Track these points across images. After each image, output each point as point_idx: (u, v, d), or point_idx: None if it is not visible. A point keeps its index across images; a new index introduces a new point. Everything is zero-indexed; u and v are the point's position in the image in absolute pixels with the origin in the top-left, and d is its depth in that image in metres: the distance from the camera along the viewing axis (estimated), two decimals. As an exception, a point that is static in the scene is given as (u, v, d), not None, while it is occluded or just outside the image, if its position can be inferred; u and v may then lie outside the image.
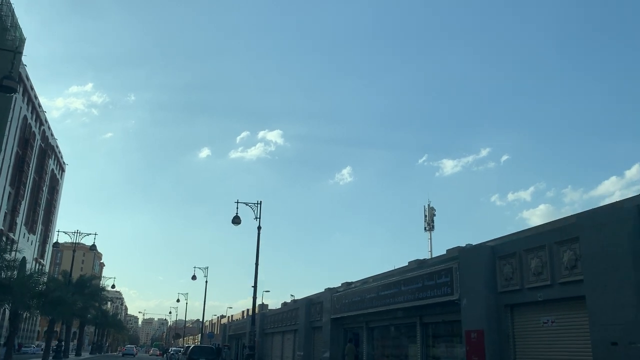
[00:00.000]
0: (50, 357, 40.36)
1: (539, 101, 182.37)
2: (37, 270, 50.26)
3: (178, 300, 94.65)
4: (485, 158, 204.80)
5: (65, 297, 32.60)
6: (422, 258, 23.82)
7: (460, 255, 15.45)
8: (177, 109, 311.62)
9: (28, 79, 66.42)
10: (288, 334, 35.88)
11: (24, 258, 62.70)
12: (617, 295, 10.05)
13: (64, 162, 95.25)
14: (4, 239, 60.01)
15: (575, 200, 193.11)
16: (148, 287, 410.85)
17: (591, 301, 10.64)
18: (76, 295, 39.86)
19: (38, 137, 75.28)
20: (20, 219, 69.80)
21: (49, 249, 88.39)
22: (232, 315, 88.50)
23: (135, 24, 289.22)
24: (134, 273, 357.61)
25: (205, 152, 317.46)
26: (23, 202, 70.43)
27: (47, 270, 73.37)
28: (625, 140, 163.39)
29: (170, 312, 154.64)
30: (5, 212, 64.16)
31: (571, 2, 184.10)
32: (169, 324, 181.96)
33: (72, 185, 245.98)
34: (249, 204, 31.89)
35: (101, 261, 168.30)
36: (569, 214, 15.98)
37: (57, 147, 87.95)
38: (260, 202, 31.83)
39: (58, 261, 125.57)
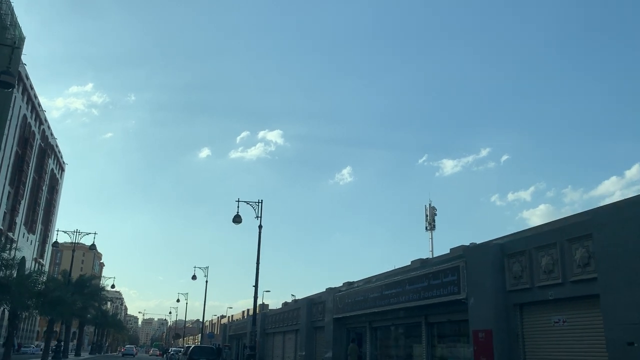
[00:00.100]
0: (50, 357, 40.02)
1: (539, 101, 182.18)
2: (36, 269, 49.90)
3: (178, 300, 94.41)
4: (485, 158, 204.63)
5: (64, 297, 32.28)
6: (424, 257, 23.58)
7: (467, 254, 15.13)
8: (177, 109, 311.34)
9: (28, 78, 66.12)
10: (289, 334, 35.57)
11: (23, 258, 62.41)
12: (633, 294, 9.73)
13: (63, 162, 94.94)
14: (3, 238, 59.79)
15: (575, 200, 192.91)
16: (148, 287, 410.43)
17: (606, 300, 10.32)
18: (75, 295, 39.53)
19: (38, 136, 74.97)
20: (19, 219, 69.47)
21: (48, 249, 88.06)
22: (232, 316, 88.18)
23: (135, 24, 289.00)
24: (134, 273, 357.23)
25: (205, 152, 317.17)
26: (22, 202, 70.10)
27: (46, 270, 73.08)
28: (625, 140, 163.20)
29: (170, 312, 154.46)
30: (5, 212, 63.84)
31: (571, 2, 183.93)
32: (169, 324, 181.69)
33: (72, 185, 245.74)
34: (250, 203, 31.59)
35: (101, 261, 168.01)
36: (569, 214, 15.74)
37: (56, 146, 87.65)
38: (261, 200, 31.54)
39: (58, 261, 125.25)
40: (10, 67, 17.20)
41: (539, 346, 12.54)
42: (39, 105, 73.74)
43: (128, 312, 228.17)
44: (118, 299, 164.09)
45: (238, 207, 30.81)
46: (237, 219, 30.96)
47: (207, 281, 61.35)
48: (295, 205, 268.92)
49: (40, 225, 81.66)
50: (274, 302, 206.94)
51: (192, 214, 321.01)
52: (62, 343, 45.57)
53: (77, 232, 44.26)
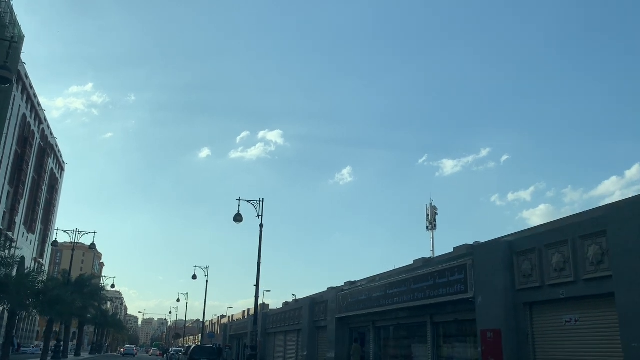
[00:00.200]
0: (49, 358, 39.70)
1: (539, 101, 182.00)
2: (35, 269, 49.59)
3: (178, 300, 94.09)
4: (485, 158, 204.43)
5: (63, 296, 31.93)
6: (426, 257, 23.23)
7: (474, 252, 14.80)
8: (177, 109, 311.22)
9: (27, 77, 65.77)
10: (291, 334, 35.24)
11: (22, 257, 62.10)
12: (651, 292, 9.42)
13: (63, 161, 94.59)
14: (2, 238, 59.45)
15: (575, 200, 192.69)
16: (148, 287, 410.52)
17: (622, 298, 10.00)
18: (75, 294, 39.17)
19: (37, 135, 74.64)
20: (19, 218, 69.13)
21: (48, 249, 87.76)
22: (232, 315, 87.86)
23: (135, 24, 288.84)
24: (134, 273, 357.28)
25: (205, 152, 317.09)
26: (22, 201, 69.77)
27: (46, 270, 72.75)
28: (625, 140, 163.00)
29: (170, 312, 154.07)
30: (4, 211, 63.51)
31: (571, 2, 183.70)
32: (169, 324, 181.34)
33: (72, 185, 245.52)
34: (251, 202, 31.29)
35: (101, 261, 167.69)
36: (569, 214, 15.40)
37: (56, 146, 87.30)
38: (262, 199, 31.25)
39: (58, 261, 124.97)
40: (8, 62, 16.86)
41: (550, 346, 12.22)
42: (39, 104, 73.40)
43: (128, 312, 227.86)
44: (118, 298, 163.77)
45: (239, 205, 30.53)
46: (237, 218, 30.67)
47: (207, 281, 61.08)
48: (295, 205, 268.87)
49: (40, 224, 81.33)
50: (274, 302, 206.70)
51: (192, 214, 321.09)
52: (62, 343, 45.24)
53: (76, 231, 43.93)
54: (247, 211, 30.83)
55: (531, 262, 12.70)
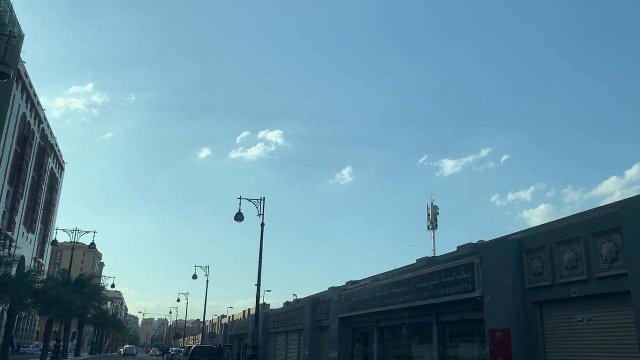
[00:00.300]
0: (48, 358, 39.39)
1: (539, 101, 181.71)
2: (34, 268, 49.33)
3: (178, 300, 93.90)
4: (485, 158, 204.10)
5: (63, 296, 31.64)
6: (430, 256, 22.89)
7: (482, 250, 14.49)
8: (177, 109, 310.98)
9: (27, 76, 65.47)
10: (292, 334, 34.94)
11: (22, 257, 61.82)
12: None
13: (63, 161, 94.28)
14: (2, 237, 59.16)
15: (575, 200, 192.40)
16: (148, 287, 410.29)
17: (638, 297, 9.68)
18: (75, 294, 38.87)
19: (37, 135, 74.34)
20: (19, 218, 68.83)
21: (48, 249, 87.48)
22: (232, 315, 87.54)
23: (135, 24, 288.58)
24: (134, 273, 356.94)
25: (205, 152, 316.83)
26: (22, 201, 69.47)
27: (46, 270, 72.45)
28: (625, 140, 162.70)
29: (170, 312, 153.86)
30: (4, 211, 63.22)
31: (571, 2, 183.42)
32: (169, 324, 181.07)
33: (72, 185, 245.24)
34: (252, 200, 30.99)
35: (101, 261, 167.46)
36: (569, 214, 15.12)
37: (56, 145, 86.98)
38: (264, 198, 30.95)
39: (58, 261, 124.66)
40: (6, 57, 16.57)
41: (561, 346, 11.90)
42: (38, 103, 73.10)
43: (128, 312, 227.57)
44: (118, 298, 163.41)
45: (240, 204, 30.24)
46: (238, 217, 30.38)
47: (207, 280, 60.82)
48: (295, 205, 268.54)
49: (39, 224, 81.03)
50: (275, 301, 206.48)
51: (192, 214, 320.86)
52: (61, 343, 44.91)
53: (76, 230, 43.62)
54: (248, 211, 30.49)
55: (541, 260, 12.38)
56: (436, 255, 30.89)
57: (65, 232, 44.72)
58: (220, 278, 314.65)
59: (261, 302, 37.71)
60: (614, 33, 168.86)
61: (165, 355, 79.30)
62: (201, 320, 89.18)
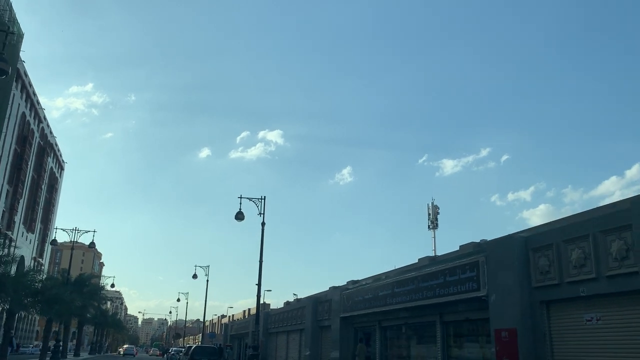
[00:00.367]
0: (48, 358, 39.16)
1: (539, 101, 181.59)
2: (33, 268, 49.09)
3: (178, 300, 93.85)
4: (485, 158, 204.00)
5: (62, 296, 31.38)
6: (431, 255, 22.68)
7: (487, 248, 14.27)
8: (177, 109, 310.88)
9: (26, 75, 65.25)
10: (293, 334, 34.72)
11: (22, 257, 61.58)
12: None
13: (63, 161, 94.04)
14: (1, 237, 58.91)
15: (575, 200, 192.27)
16: (148, 287, 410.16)
17: (650, 295, 9.48)
18: (74, 293, 38.62)
19: (37, 134, 74.13)
20: (18, 218, 68.61)
21: (47, 248, 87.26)
22: (232, 315, 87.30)
23: (135, 24, 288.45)
24: (134, 273, 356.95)
25: (205, 152, 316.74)
26: (21, 201, 69.26)
27: (45, 270, 72.22)
28: (625, 140, 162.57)
29: (170, 312, 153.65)
30: (3, 210, 63.01)
31: (571, 2, 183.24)
32: (169, 324, 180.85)
33: (72, 185, 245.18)
34: (253, 199, 30.80)
35: (101, 261, 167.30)
36: (570, 214, 14.94)
37: (56, 145, 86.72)
38: (264, 197, 30.74)
39: (57, 261, 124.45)
40: (4, 53, 16.34)
41: (569, 346, 11.68)
42: (38, 103, 72.87)
43: (128, 312, 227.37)
44: (118, 298, 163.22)
45: (240, 203, 30.04)
46: (239, 216, 30.19)
47: (208, 280, 60.67)
48: (295, 205, 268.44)
49: (39, 224, 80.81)
50: (275, 301, 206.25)
51: (192, 214, 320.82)
52: (61, 343, 44.68)
53: (76, 229, 43.39)
54: (248, 211, 30.24)
55: (548, 258, 12.17)
56: (437, 254, 30.73)
57: (64, 232, 44.50)
58: (220, 278, 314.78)
59: (261, 301, 37.56)
60: (614, 33, 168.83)
61: (165, 355, 79.05)
62: (201, 320, 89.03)
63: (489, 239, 16.33)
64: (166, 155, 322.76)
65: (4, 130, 56.18)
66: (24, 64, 63.07)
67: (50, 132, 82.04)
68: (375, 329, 22.06)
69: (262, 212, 30.24)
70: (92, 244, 45.01)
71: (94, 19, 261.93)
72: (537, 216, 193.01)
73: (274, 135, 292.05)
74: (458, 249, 17.69)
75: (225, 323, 79.00)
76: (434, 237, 70.59)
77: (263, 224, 30.08)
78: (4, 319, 27.22)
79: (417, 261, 20.40)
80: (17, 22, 54.11)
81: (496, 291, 13.51)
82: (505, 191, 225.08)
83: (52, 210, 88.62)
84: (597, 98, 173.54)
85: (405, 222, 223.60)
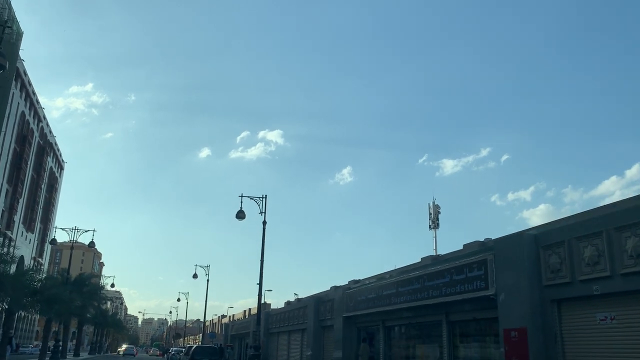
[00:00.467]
0: (47, 358, 38.86)
1: (539, 101, 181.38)
2: (33, 267, 48.75)
3: (179, 300, 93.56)
4: (486, 158, 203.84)
5: (62, 295, 31.07)
6: (435, 254, 22.35)
7: (496, 246, 13.95)
8: (177, 109, 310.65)
9: (26, 74, 64.92)
10: (295, 334, 34.42)
11: (22, 257, 61.27)
12: None
13: (63, 160, 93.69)
14: (1, 236, 58.63)
15: (575, 200, 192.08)
16: (148, 287, 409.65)
17: (668, 294, 9.17)
18: (74, 293, 38.34)
19: (36, 134, 73.80)
20: (18, 217, 68.29)
21: (47, 248, 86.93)
22: (233, 315, 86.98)
23: (135, 24, 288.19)
24: (134, 273, 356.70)
25: (205, 152, 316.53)
26: (21, 200, 68.94)
27: (45, 269, 71.91)
28: (625, 140, 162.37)
29: (170, 312, 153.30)
30: (3, 210, 62.70)
31: (571, 2, 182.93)
32: (169, 324, 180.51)
33: (72, 185, 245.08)
34: (254, 198, 30.50)
35: (101, 261, 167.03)
36: (569, 214, 14.66)
37: (55, 144, 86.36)
38: (266, 195, 30.46)
39: (57, 261, 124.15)
40: (2, 47, 16.05)
41: (581, 346, 11.36)
42: (38, 102, 72.53)
43: (128, 312, 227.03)
44: (118, 298, 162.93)
45: (241, 202, 29.76)
46: (240, 215, 29.90)
47: (208, 279, 60.42)
48: (295, 205, 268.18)
49: (39, 224, 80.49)
50: (275, 301, 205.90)
51: (192, 214, 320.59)
52: (61, 343, 44.38)
53: (75, 229, 43.08)
54: (248, 211, 29.92)
55: (560, 256, 11.85)
56: (438, 254, 30.38)
57: (64, 231, 44.20)
58: (220, 278, 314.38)
59: (262, 301, 37.27)
60: (614, 33, 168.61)
61: (165, 355, 78.76)
62: (201, 320, 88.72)
63: (489, 238, 16.10)
64: (166, 155, 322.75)
65: (3, 129, 55.85)
66: (24, 63, 62.74)
67: (50, 132, 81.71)
68: (378, 328, 21.75)
69: (263, 211, 29.97)
70: (92, 244, 44.69)
71: (94, 19, 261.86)
72: (537, 216, 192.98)
73: (274, 135, 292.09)
74: (462, 247, 17.40)
75: (225, 323, 78.68)
76: (435, 237, 70.25)
77: (264, 222, 29.79)
78: (3, 319, 26.89)
79: (419, 260, 20.11)
80: (17, 21, 53.75)
81: (505, 290, 13.20)
82: (505, 191, 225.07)
83: (52, 210, 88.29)
84: (597, 98, 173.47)
85: (405, 222, 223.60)
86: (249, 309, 68.89)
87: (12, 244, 61.45)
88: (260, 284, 29.24)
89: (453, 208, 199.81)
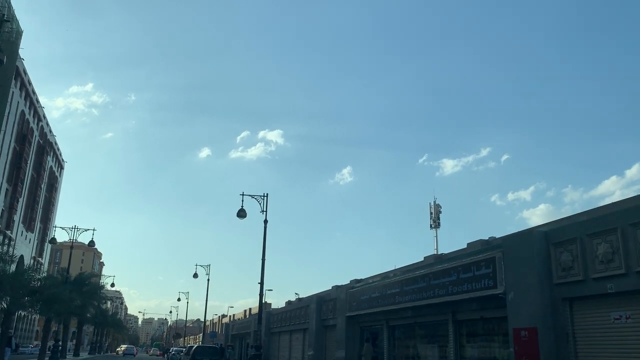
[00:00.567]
0: (47, 358, 38.55)
1: (539, 101, 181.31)
2: (32, 266, 48.35)
3: (179, 299, 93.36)
4: (486, 158, 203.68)
5: (61, 295, 30.74)
6: (438, 253, 22.00)
7: (504, 244, 13.63)
8: (177, 109, 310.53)
9: (26, 73, 64.61)
10: (296, 333, 34.12)
11: (21, 256, 60.95)
12: None
13: (62, 160, 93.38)
14: (0, 236, 58.30)
15: (575, 200, 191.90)
16: (148, 287, 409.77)
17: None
18: (74, 292, 38.01)
19: (36, 133, 73.50)
20: (17, 217, 68.00)
21: (47, 248, 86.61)
22: (233, 315, 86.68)
23: (135, 24, 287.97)
24: (134, 273, 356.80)
25: (205, 152, 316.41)
26: (21, 200, 68.65)
27: (45, 269, 71.59)
28: (625, 140, 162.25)
29: (170, 312, 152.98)
30: (2, 209, 62.39)
31: (571, 2, 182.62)
32: (169, 323, 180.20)
33: (72, 185, 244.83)
34: (255, 196, 30.19)
35: (101, 260, 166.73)
36: (569, 214, 14.34)
37: (55, 143, 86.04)
38: (267, 194, 30.17)
39: (57, 260, 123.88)
40: (1, 44, 15.74)
41: (594, 346, 11.05)
42: (37, 101, 72.22)
43: (128, 312, 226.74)
44: (118, 298, 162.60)
45: (242, 200, 29.45)
46: (241, 213, 29.60)
47: (208, 279, 60.16)
48: (295, 205, 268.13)
49: (39, 223, 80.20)
50: (275, 301, 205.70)
51: (192, 214, 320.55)
52: (60, 342, 44.07)
53: (75, 228, 42.76)
54: (248, 210, 29.60)
55: (572, 253, 11.53)
56: (440, 253, 30.03)
57: (64, 230, 43.87)
58: (220, 278, 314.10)
59: (263, 300, 36.95)
60: (614, 33, 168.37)
61: (165, 355, 78.46)
62: (201, 320, 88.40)
63: (493, 237, 15.79)
64: (166, 155, 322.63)
65: (3, 128, 55.54)
66: (23, 62, 62.41)
67: (50, 131, 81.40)
68: (382, 328, 21.45)
69: (264, 209, 29.67)
70: (92, 243, 44.38)
71: (94, 19, 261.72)
72: (537, 216, 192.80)
73: (274, 135, 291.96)
74: (466, 246, 17.09)
75: (226, 323, 78.40)
76: (436, 236, 69.93)
77: (265, 221, 29.49)
78: (2, 318, 26.59)
79: (422, 259, 19.80)
80: (16, 19, 53.46)
81: (514, 288, 12.89)
82: (505, 191, 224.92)
83: (52, 210, 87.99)
84: (597, 98, 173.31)
85: (405, 221, 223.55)
86: (250, 309, 68.62)
87: (12, 243, 61.11)
88: (261, 283, 28.95)
89: (453, 208, 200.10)
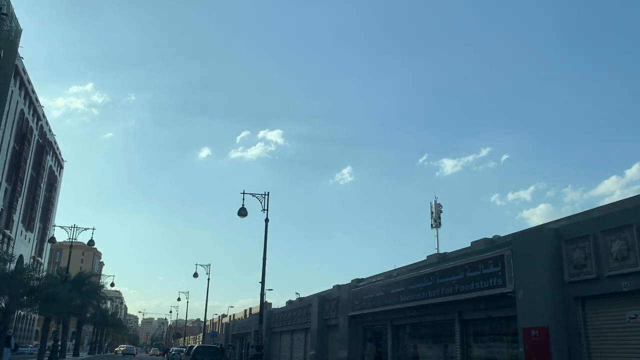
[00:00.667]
0: (46, 358, 38.24)
1: (539, 101, 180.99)
2: (31, 266, 48.05)
3: (179, 299, 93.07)
4: (486, 158, 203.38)
5: (60, 294, 30.40)
6: (441, 252, 21.66)
7: (514, 241, 13.32)
8: (177, 109, 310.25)
9: (25, 72, 64.32)
10: (298, 333, 33.80)
11: (21, 256, 60.64)
12: None
13: (62, 159, 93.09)
14: (0, 235, 58.01)
15: (575, 200, 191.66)
16: (148, 287, 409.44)
17: None
18: (73, 292, 37.64)
19: (36, 132, 73.21)
20: (17, 216, 67.70)
21: (46, 247, 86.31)
22: (234, 315, 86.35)
23: (135, 24, 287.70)
24: (134, 273, 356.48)
25: (205, 152, 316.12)
26: (20, 199, 68.35)
27: (45, 269, 71.31)
28: (625, 140, 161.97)
29: (170, 312, 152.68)
30: (2, 209, 62.08)
31: (571, 2, 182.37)
32: (169, 323, 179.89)
33: (71, 185, 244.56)
34: (256, 195, 29.90)
35: (101, 260, 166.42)
36: (569, 214, 14.05)
37: (55, 143, 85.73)
38: (268, 192, 29.87)
39: (57, 260, 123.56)
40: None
41: (608, 346, 10.73)
42: (37, 100, 71.90)
43: (128, 312, 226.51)
44: (118, 298, 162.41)
45: (243, 199, 29.16)
46: (242, 212, 29.32)
47: (209, 278, 59.89)
48: (295, 205, 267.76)
49: (38, 223, 79.90)
50: (276, 301, 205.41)
51: (192, 214, 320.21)
52: (59, 342, 43.74)
53: (74, 227, 42.45)
54: (248, 210, 29.27)
55: (584, 250, 11.22)
56: (443, 252, 29.69)
57: (63, 229, 43.57)
58: (221, 278, 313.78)
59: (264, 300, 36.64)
60: (614, 33, 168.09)
61: (165, 355, 78.16)
62: (201, 319, 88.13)
63: (497, 235, 15.49)
64: (166, 155, 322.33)
65: (2, 127, 55.23)
66: (23, 61, 62.12)
67: (50, 130, 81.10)
68: (386, 327, 21.13)
69: (265, 208, 29.37)
70: (92, 242, 44.07)
71: (94, 19, 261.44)
72: (537, 216, 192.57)
73: (274, 135, 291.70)
74: (470, 245, 16.78)
75: (226, 322, 78.09)
76: (437, 236, 69.59)
77: (267, 220, 29.21)
78: (0, 318, 26.26)
79: (425, 258, 19.49)
80: (16, 18, 53.12)
81: (524, 287, 12.57)
82: (505, 191, 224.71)
83: (52, 209, 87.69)
84: (597, 98, 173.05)
85: (405, 221, 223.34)
86: (250, 309, 68.29)
87: (11, 243, 60.83)
88: (262, 282, 28.67)
89: (453, 208, 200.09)
